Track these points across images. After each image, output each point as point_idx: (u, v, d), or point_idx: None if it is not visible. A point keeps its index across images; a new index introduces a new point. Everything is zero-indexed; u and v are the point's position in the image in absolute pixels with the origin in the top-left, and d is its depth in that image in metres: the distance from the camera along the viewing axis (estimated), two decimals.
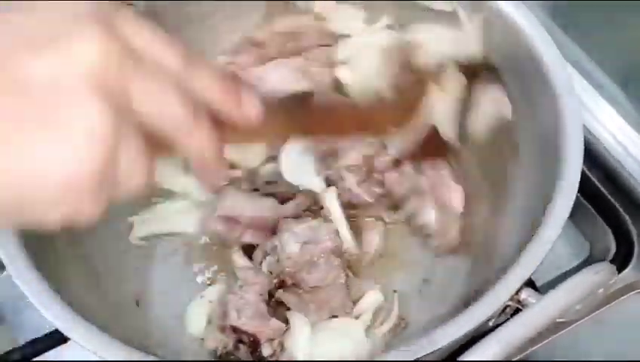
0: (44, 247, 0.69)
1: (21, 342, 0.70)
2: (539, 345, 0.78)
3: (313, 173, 0.81)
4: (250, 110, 0.48)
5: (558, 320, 0.57)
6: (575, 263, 0.84)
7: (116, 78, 0.39)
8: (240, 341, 0.73)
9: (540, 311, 0.57)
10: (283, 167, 0.81)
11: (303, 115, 0.61)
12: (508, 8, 0.74)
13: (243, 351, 0.73)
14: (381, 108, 0.72)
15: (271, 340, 0.72)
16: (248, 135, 0.51)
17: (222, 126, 0.46)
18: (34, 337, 0.69)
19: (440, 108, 0.73)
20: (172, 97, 0.42)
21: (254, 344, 0.72)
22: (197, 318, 0.77)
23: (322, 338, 0.72)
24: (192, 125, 0.43)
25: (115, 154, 0.39)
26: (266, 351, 0.72)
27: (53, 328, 0.63)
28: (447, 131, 0.73)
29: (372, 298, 0.76)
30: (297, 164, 0.80)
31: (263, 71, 0.83)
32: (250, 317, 0.72)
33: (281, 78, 0.81)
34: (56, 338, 0.67)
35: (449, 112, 0.73)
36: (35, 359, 0.68)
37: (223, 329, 0.74)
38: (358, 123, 0.66)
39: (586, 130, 0.68)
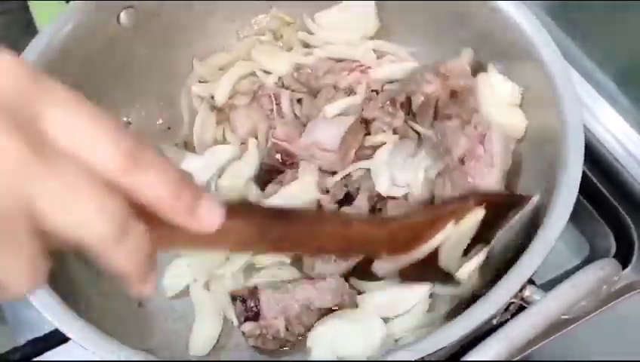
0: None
1: (21, 342, 0.69)
2: (541, 344, 0.78)
3: None
4: (206, 219, 0.41)
5: (562, 317, 0.57)
6: (575, 263, 0.84)
7: (11, 180, 0.34)
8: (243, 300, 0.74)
9: (544, 307, 0.57)
10: None
11: (280, 228, 0.52)
12: (508, 8, 0.74)
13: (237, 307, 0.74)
14: (380, 231, 0.63)
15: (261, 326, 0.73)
16: (198, 242, 0.44)
17: (165, 227, 0.40)
18: (34, 337, 0.69)
19: (449, 243, 0.66)
20: (88, 203, 0.35)
21: (253, 315, 0.73)
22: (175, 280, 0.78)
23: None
24: (117, 236, 0.36)
25: None
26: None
27: (53, 328, 0.63)
28: (449, 264, 0.66)
29: None
30: None
31: None
32: (276, 302, 0.73)
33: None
34: (56, 339, 0.67)
35: (457, 248, 0.67)
36: (35, 359, 0.68)
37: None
38: (347, 242, 0.60)
39: (586, 130, 0.68)
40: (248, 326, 0.73)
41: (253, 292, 0.73)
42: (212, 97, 0.88)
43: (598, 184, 0.87)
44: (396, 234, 0.64)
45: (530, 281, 0.59)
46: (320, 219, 0.60)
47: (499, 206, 0.68)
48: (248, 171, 0.82)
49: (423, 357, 0.56)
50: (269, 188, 0.80)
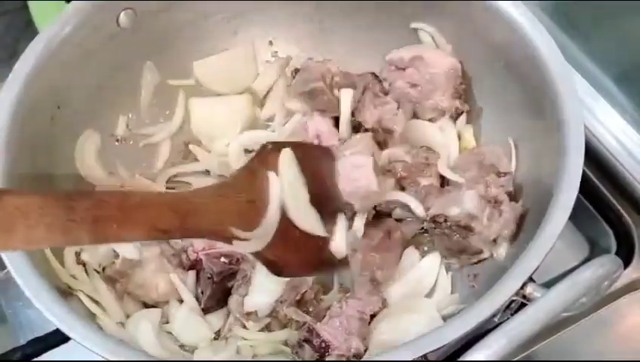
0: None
1: (21, 342, 0.69)
2: (542, 344, 0.78)
3: None
4: None
5: (563, 315, 0.57)
6: (575, 263, 0.84)
7: None
8: (307, 340, 0.72)
9: (545, 304, 0.57)
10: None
11: None
12: (508, 8, 0.75)
13: (307, 351, 0.72)
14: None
15: (340, 355, 0.71)
16: None
17: None
18: (34, 337, 0.69)
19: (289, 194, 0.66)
20: None
21: (323, 350, 0.71)
22: None
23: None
24: None
25: None
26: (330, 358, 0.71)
27: (53, 328, 0.63)
28: (306, 221, 0.66)
29: None
30: None
31: None
32: (336, 327, 0.71)
33: None
34: (56, 339, 0.67)
35: (300, 198, 0.66)
36: (35, 359, 0.68)
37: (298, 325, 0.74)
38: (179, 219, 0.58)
39: (586, 130, 0.68)
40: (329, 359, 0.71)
41: (311, 330, 0.71)
42: None
43: (598, 184, 0.87)
44: (230, 202, 0.63)
45: (531, 280, 0.59)
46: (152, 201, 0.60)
47: (308, 153, 0.69)
48: None
49: (425, 355, 0.55)
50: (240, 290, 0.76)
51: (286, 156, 0.69)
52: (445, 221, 0.74)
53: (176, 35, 0.87)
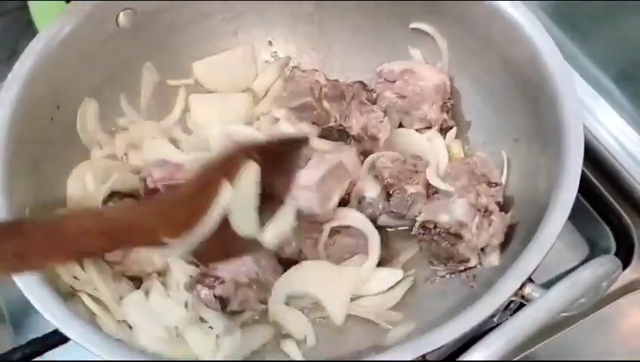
0: None
1: (21, 341, 0.69)
2: (541, 344, 0.78)
3: None
4: None
5: (562, 315, 0.57)
6: (575, 263, 0.84)
7: None
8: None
9: (544, 304, 0.57)
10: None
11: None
12: (508, 8, 0.75)
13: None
14: (149, 215, 0.58)
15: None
16: None
17: None
18: (34, 337, 0.69)
19: (236, 206, 0.61)
20: None
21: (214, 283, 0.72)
22: None
23: None
24: None
25: None
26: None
27: (53, 328, 0.63)
28: (246, 229, 0.62)
29: None
30: None
31: None
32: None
33: None
34: (56, 339, 0.67)
35: (247, 209, 0.62)
36: (35, 359, 0.68)
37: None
38: (111, 237, 0.55)
39: (586, 130, 0.68)
40: (221, 289, 0.71)
41: (205, 273, 0.72)
42: None
43: (598, 184, 0.87)
44: (169, 214, 0.59)
45: (530, 280, 0.59)
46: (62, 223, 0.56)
47: (275, 153, 0.64)
48: None
49: (424, 355, 0.56)
50: None
51: (249, 172, 0.63)
52: (435, 227, 0.74)
53: (176, 35, 0.87)
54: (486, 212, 0.73)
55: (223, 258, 0.68)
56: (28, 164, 0.72)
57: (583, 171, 0.64)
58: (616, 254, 0.84)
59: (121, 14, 0.80)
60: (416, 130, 0.84)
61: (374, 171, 0.79)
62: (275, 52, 0.93)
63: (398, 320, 0.74)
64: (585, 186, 0.83)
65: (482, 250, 0.74)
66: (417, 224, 0.75)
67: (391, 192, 0.78)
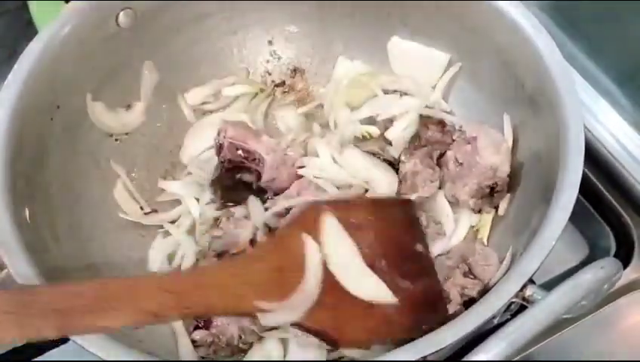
0: (44, 247, 0.69)
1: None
2: (541, 344, 0.78)
3: None
4: None
5: (563, 316, 0.57)
6: (575, 263, 0.84)
7: None
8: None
9: (545, 307, 0.57)
10: None
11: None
12: (508, 8, 0.74)
13: None
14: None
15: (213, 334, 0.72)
16: None
17: None
18: None
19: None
20: None
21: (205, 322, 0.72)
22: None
23: None
24: None
25: None
26: None
27: None
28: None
29: None
30: None
31: None
32: None
33: None
34: (57, 339, 0.67)
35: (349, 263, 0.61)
36: (35, 359, 0.68)
37: None
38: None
39: (586, 130, 0.68)
40: (199, 335, 0.71)
41: None
42: None
43: (598, 184, 0.87)
44: (255, 275, 0.56)
45: (531, 281, 0.59)
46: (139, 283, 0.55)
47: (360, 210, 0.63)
48: None
49: (424, 357, 0.55)
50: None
51: (327, 222, 0.61)
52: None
53: (176, 35, 0.87)
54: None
55: (366, 342, 0.62)
56: (28, 164, 0.72)
57: (583, 171, 0.64)
58: (616, 254, 0.84)
59: (121, 14, 0.80)
60: None
61: None
62: (275, 51, 0.93)
63: None
64: (585, 186, 0.82)
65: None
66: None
67: None
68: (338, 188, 0.78)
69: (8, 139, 0.70)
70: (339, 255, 0.59)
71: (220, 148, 0.79)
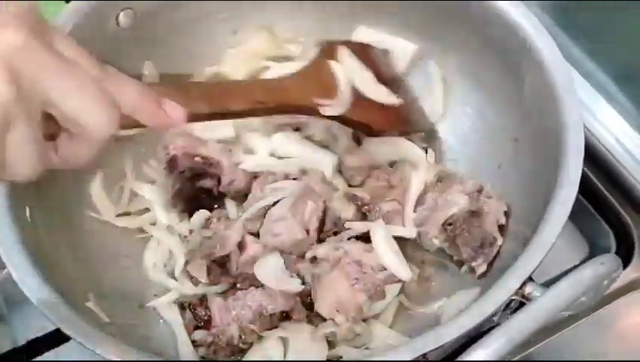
0: (44, 247, 0.69)
1: (21, 342, 0.69)
2: (541, 344, 0.78)
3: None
4: (175, 115, 0.55)
5: (562, 314, 0.57)
6: (575, 262, 0.84)
7: (30, 66, 0.44)
8: (193, 306, 0.74)
9: (544, 303, 0.57)
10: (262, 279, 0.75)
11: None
12: (508, 8, 0.75)
13: (187, 316, 0.74)
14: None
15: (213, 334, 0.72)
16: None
17: None
18: (34, 337, 0.69)
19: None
20: (93, 97, 0.47)
21: (204, 322, 0.72)
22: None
23: None
24: (110, 123, 0.48)
25: (3, 135, 0.43)
26: None
27: (53, 328, 0.63)
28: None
29: None
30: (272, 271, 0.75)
31: None
32: (228, 308, 0.72)
33: None
34: (56, 338, 0.67)
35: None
36: (35, 359, 0.68)
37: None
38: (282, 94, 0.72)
39: (586, 130, 0.68)
40: (199, 335, 0.72)
41: (203, 300, 0.72)
42: None
43: (598, 184, 0.87)
44: (309, 83, 0.77)
45: (530, 279, 0.59)
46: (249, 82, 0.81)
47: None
48: None
49: (424, 355, 0.56)
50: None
51: (343, 51, 0.80)
52: (456, 220, 0.74)
53: (176, 35, 0.87)
54: (479, 191, 0.75)
55: (389, 127, 0.80)
56: None
57: (583, 170, 0.64)
58: (616, 253, 0.84)
59: (121, 14, 0.80)
60: None
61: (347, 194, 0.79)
62: None
63: None
64: (585, 185, 0.83)
65: (500, 228, 0.74)
66: (436, 230, 0.75)
67: (366, 213, 0.78)
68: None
69: None
70: (357, 73, 0.79)
71: (172, 161, 0.79)
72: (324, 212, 0.78)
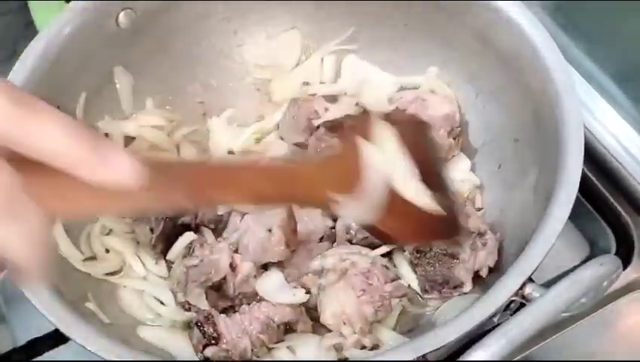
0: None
1: (21, 342, 0.69)
2: (541, 344, 0.78)
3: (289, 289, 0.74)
4: (123, 170, 0.38)
5: (562, 315, 0.57)
6: (575, 263, 0.84)
7: None
8: (200, 324, 0.71)
9: (544, 304, 0.57)
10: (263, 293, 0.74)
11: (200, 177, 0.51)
12: (509, 8, 0.75)
13: (195, 335, 0.71)
14: (311, 168, 0.60)
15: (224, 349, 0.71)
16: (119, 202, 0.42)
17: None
18: (34, 337, 0.69)
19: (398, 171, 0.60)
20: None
21: (214, 340, 0.71)
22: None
23: None
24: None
25: None
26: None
27: (53, 328, 0.63)
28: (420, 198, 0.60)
29: None
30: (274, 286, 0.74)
31: None
32: (236, 322, 0.71)
33: None
34: (56, 338, 0.67)
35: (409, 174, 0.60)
36: (35, 359, 0.68)
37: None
38: (288, 185, 0.56)
39: (586, 130, 0.68)
40: (211, 351, 0.70)
41: (208, 317, 0.71)
42: None
43: (598, 184, 0.87)
44: (329, 170, 0.60)
45: (530, 280, 0.59)
46: (249, 167, 0.58)
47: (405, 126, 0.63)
48: None
49: (424, 355, 0.56)
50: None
51: (383, 130, 0.61)
52: (430, 250, 0.73)
53: (177, 35, 0.87)
54: (479, 234, 0.73)
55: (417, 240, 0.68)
56: None
57: (583, 171, 0.64)
58: (616, 253, 0.84)
59: (121, 14, 0.80)
60: None
61: None
62: None
63: None
64: (585, 186, 0.83)
65: (477, 273, 0.73)
66: (411, 250, 0.74)
67: None
68: None
69: None
70: (398, 165, 0.60)
71: None
72: (292, 215, 0.77)
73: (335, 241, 0.79)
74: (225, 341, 0.70)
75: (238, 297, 0.75)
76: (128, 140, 0.84)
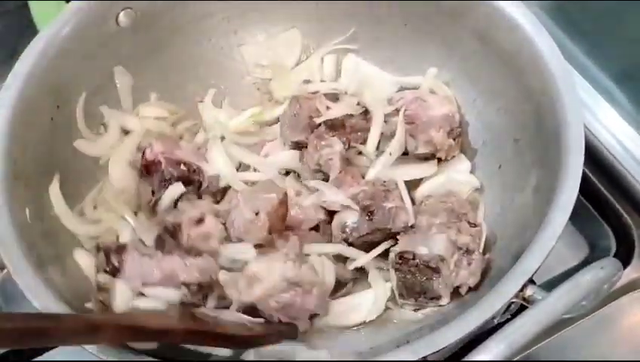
0: (44, 247, 0.69)
1: None
2: (541, 344, 0.78)
3: None
4: None
5: (563, 316, 0.57)
6: (575, 263, 0.84)
7: None
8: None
9: (546, 307, 0.57)
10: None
11: None
12: (508, 8, 0.75)
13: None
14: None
15: None
16: None
17: None
18: None
19: None
20: None
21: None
22: None
23: None
24: None
25: None
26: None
27: None
28: None
29: None
30: None
31: None
32: None
33: None
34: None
35: None
36: (35, 359, 0.68)
37: None
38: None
39: (586, 130, 0.68)
40: (102, 278, 0.70)
41: (121, 249, 0.70)
42: None
43: (598, 184, 0.87)
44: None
45: (531, 281, 0.59)
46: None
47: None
48: None
49: (424, 357, 0.56)
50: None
51: None
52: (413, 258, 0.72)
53: (176, 35, 0.87)
54: (467, 251, 0.72)
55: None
56: (28, 164, 0.72)
57: (583, 171, 0.64)
58: (616, 254, 0.85)
59: (121, 14, 0.80)
60: (420, 156, 0.82)
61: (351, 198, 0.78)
62: None
63: None
64: (585, 186, 0.82)
65: (456, 289, 0.72)
66: (395, 254, 0.74)
67: (371, 210, 0.76)
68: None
69: (8, 139, 0.70)
70: None
71: (152, 166, 0.78)
72: (284, 202, 0.78)
73: (325, 233, 0.79)
74: (123, 276, 0.69)
75: (193, 250, 0.74)
76: None
